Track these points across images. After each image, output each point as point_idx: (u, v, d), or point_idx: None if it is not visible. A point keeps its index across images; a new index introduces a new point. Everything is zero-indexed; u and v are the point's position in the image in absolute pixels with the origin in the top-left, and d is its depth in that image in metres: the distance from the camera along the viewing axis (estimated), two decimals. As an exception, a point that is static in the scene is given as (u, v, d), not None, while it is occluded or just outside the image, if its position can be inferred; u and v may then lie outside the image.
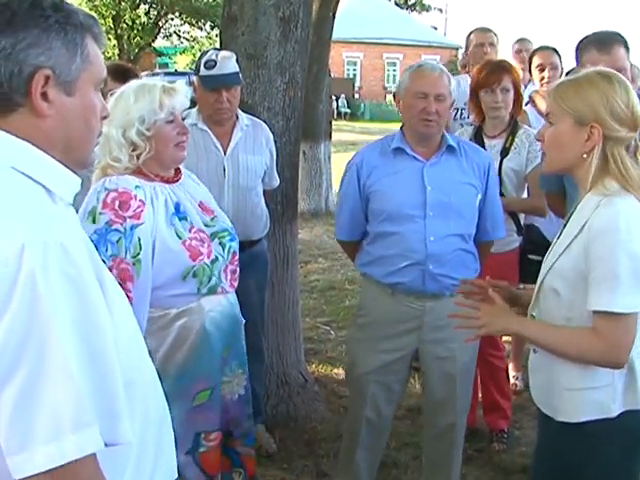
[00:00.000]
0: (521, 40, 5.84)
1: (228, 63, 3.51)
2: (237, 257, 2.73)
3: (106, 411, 1.26)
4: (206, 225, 2.63)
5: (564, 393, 2.13)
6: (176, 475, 1.60)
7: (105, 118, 1.49)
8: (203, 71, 3.49)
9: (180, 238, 2.51)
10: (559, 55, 4.67)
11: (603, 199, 1.99)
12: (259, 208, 3.73)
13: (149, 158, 2.52)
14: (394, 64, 43.64)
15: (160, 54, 35.94)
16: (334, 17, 8.68)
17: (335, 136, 12.02)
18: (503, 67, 3.84)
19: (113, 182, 2.47)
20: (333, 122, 11.67)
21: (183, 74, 16.56)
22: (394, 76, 41.89)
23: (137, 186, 2.48)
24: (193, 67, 3.89)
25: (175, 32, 32.78)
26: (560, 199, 3.17)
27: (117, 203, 2.42)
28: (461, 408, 3.21)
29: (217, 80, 3.48)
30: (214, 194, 3.52)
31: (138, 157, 2.51)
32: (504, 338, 4.19)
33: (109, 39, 31.51)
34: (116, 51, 31.23)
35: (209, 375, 2.61)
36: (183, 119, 2.63)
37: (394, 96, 3.13)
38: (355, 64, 44.36)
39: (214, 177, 3.56)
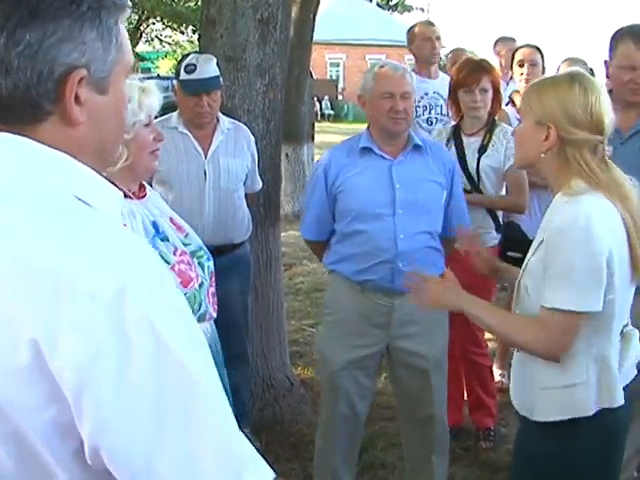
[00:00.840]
0: (502, 39, 5.87)
1: (208, 67, 3.50)
2: (214, 278, 2.48)
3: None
4: (184, 244, 2.36)
5: (539, 392, 2.12)
6: None
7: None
8: (183, 75, 3.49)
9: (168, 263, 2.20)
10: (542, 53, 4.69)
11: (570, 198, 2.00)
12: (241, 211, 3.72)
13: (122, 168, 2.21)
14: (377, 65, 43.70)
15: (142, 59, 35.79)
16: (314, 18, 8.67)
17: (319, 138, 12.02)
18: (482, 67, 3.86)
19: None
20: (317, 124, 11.68)
21: (166, 79, 16.46)
22: (377, 77, 41.93)
23: None
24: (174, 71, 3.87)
25: (157, 36, 32.65)
26: None
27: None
28: (438, 402, 3.22)
29: (197, 84, 3.47)
30: (195, 198, 3.53)
31: (114, 163, 2.18)
32: (487, 336, 4.18)
33: (91, 44, 31.39)
34: (98, 56, 31.13)
35: None
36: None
37: (358, 98, 3.15)
38: (338, 65, 44.40)
39: (195, 181, 3.55)
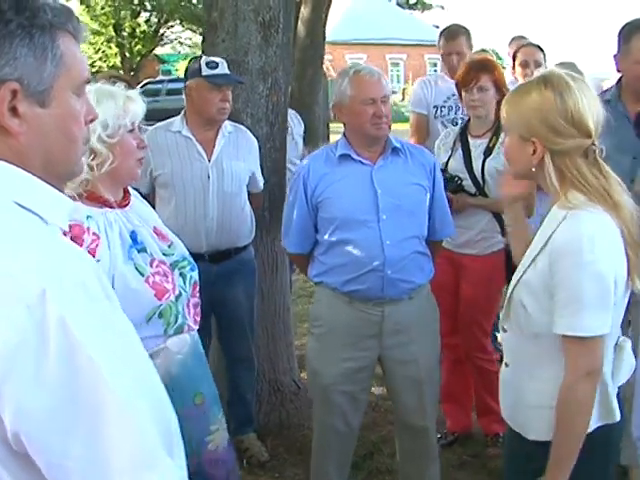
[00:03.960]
0: (517, 38, 5.82)
1: (225, 66, 3.61)
2: (198, 288, 2.43)
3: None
4: (165, 254, 2.31)
5: (535, 411, 2.07)
6: None
7: (92, 121, 1.34)
8: (207, 71, 3.53)
9: (142, 275, 2.18)
10: (543, 52, 4.64)
11: (568, 212, 1.94)
12: (244, 214, 3.72)
13: (105, 173, 2.21)
14: (397, 64, 43.63)
15: (162, 61, 36.04)
16: (326, 19, 8.67)
17: (335, 138, 11.94)
18: (482, 66, 3.80)
19: None
20: (333, 124, 11.63)
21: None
22: (397, 76, 41.89)
23: (89, 216, 2.17)
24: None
25: (176, 39, 32.88)
26: None
27: (68, 238, 2.14)
28: (430, 413, 3.20)
29: (224, 78, 3.56)
30: (199, 201, 3.53)
31: (97, 167, 2.20)
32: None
33: (110, 47, 31.66)
34: (118, 59, 31.35)
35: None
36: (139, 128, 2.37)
37: (333, 106, 3.07)
38: (358, 66, 44.35)
39: (199, 184, 3.56)
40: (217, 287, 3.62)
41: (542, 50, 4.66)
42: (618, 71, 3.34)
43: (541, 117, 1.94)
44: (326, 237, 3.01)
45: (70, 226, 2.02)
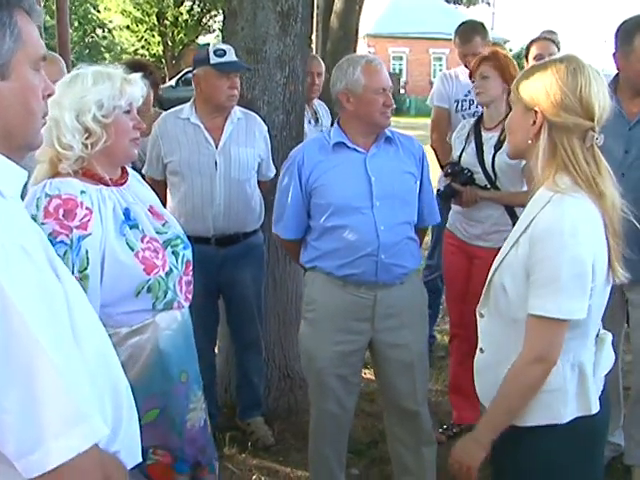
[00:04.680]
0: (547, 33, 5.77)
1: (233, 53, 3.65)
2: (191, 267, 2.47)
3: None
4: (158, 232, 2.37)
5: None
6: (140, 460, 1.59)
7: (50, 96, 1.41)
8: (215, 59, 3.58)
9: (132, 249, 2.23)
10: (558, 46, 4.61)
11: (554, 195, 1.94)
12: (253, 200, 3.77)
13: (100, 152, 2.24)
14: (440, 59, 43.27)
15: (205, 50, 36.23)
16: (360, 11, 8.66)
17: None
18: (484, 56, 3.85)
19: (54, 187, 2.18)
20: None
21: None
22: (440, 71, 41.54)
23: (82, 191, 2.20)
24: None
25: (218, 28, 32.98)
26: None
27: (61, 212, 2.14)
28: (421, 397, 3.24)
29: (232, 65, 3.61)
30: (206, 187, 3.59)
31: (92, 146, 2.23)
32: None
33: (153, 36, 31.93)
34: (160, 48, 31.60)
35: (159, 395, 2.33)
36: (138, 112, 2.40)
37: (341, 93, 3.05)
38: (401, 59, 44.11)
39: (206, 170, 3.62)
40: (224, 271, 3.70)
41: (555, 43, 4.63)
42: (618, 69, 3.34)
43: (549, 87, 1.95)
44: (320, 222, 3.06)
45: (63, 199, 2.13)
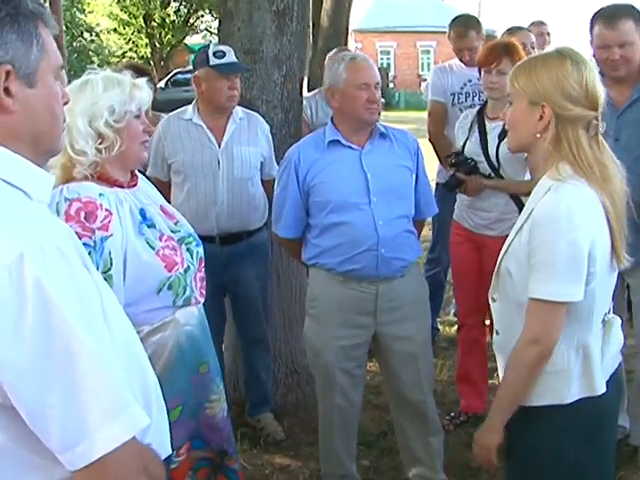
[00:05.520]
0: (536, 23, 5.82)
1: (232, 54, 3.68)
2: (203, 264, 2.53)
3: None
4: (172, 231, 2.43)
5: None
6: (170, 451, 1.63)
7: (66, 104, 1.47)
8: (214, 61, 3.62)
9: (153, 248, 2.29)
10: (548, 36, 4.68)
11: (554, 184, 1.99)
12: (256, 199, 3.81)
13: (114, 156, 2.30)
14: (428, 52, 43.35)
15: (193, 51, 36.10)
16: (350, 8, 8.69)
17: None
18: (503, 48, 3.82)
19: (72, 190, 2.22)
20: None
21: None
22: (428, 64, 41.57)
23: (101, 194, 2.25)
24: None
25: (206, 29, 32.99)
26: None
27: (82, 214, 2.18)
28: (426, 387, 3.29)
29: (231, 66, 3.64)
30: (209, 187, 3.63)
31: (106, 150, 2.28)
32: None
33: (141, 38, 31.89)
34: (148, 50, 31.54)
35: (181, 392, 2.39)
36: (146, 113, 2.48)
37: (326, 90, 3.16)
38: (388, 53, 44.18)
39: (209, 170, 3.66)
40: (229, 269, 3.75)
41: (546, 34, 4.70)
42: (593, 56, 3.40)
43: (557, 82, 1.98)
44: (319, 220, 3.11)
45: (84, 201, 2.19)
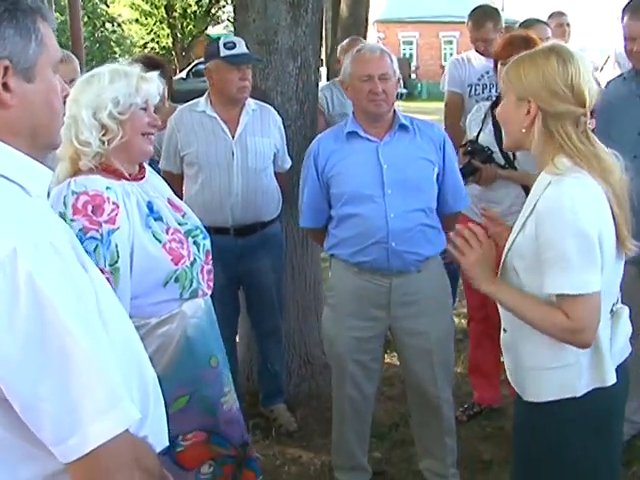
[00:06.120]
0: (556, 14, 5.76)
1: (243, 45, 3.68)
2: (210, 256, 2.54)
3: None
4: (179, 224, 2.44)
5: (530, 373, 2.14)
6: (167, 444, 1.64)
7: (66, 97, 1.49)
8: (225, 52, 3.62)
9: (160, 241, 2.31)
10: (568, 27, 4.64)
11: (554, 178, 1.99)
12: (270, 190, 3.81)
13: (117, 148, 2.30)
14: (450, 42, 43.10)
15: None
16: (369, -2, 8.67)
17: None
18: (523, 42, 3.77)
19: (80, 184, 2.24)
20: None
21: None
22: (451, 54, 41.28)
23: (108, 187, 2.26)
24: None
25: (228, 19, 32.98)
26: None
27: (89, 208, 2.20)
28: (442, 384, 3.25)
29: (241, 57, 3.63)
30: (224, 178, 3.64)
31: (109, 142, 2.29)
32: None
33: (162, 29, 31.99)
34: (170, 40, 31.63)
35: (189, 382, 2.41)
36: (155, 110, 2.45)
37: (341, 83, 3.21)
38: (411, 44, 43.95)
39: (223, 161, 3.66)
40: (243, 260, 3.76)
41: (565, 24, 4.66)
42: (625, 49, 3.38)
43: (542, 78, 2.00)
44: (336, 211, 3.13)
45: (91, 195, 2.20)
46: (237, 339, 4.25)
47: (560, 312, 1.99)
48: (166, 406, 1.68)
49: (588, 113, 2.03)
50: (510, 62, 2.13)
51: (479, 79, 4.82)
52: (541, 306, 2.05)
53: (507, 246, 2.15)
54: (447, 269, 4.90)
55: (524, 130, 2.06)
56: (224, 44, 3.64)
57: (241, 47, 3.65)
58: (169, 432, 1.85)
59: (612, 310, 2.12)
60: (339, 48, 5.65)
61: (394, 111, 3.13)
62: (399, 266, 3.07)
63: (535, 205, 2.02)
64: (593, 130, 2.10)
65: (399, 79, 3.12)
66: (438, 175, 3.14)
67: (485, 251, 2.18)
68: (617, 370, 2.12)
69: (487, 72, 4.77)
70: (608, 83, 3.73)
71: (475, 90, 4.82)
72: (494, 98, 4.41)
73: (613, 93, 3.51)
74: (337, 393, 3.36)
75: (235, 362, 4.03)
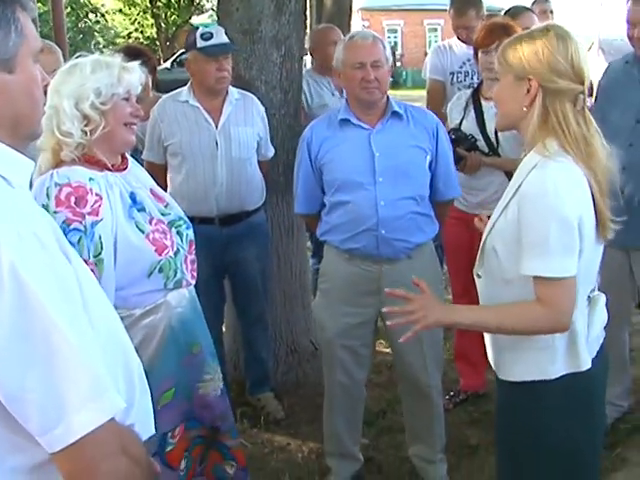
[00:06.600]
0: (540, 1, 5.76)
1: (222, 35, 3.65)
2: (194, 246, 2.55)
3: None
4: (162, 214, 2.44)
5: (504, 352, 2.16)
6: (153, 431, 1.64)
7: (47, 87, 1.48)
8: (202, 43, 3.60)
9: (142, 232, 2.31)
10: (551, 13, 4.65)
11: (540, 160, 1.99)
12: (254, 179, 3.82)
13: (99, 139, 2.30)
14: (435, 30, 43.06)
15: (198, 30, 36.07)
16: (353, -14, 8.63)
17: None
18: (503, 29, 3.79)
19: (62, 175, 2.23)
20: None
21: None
22: (435, 42, 41.19)
23: (91, 178, 2.25)
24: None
25: (212, 8, 32.82)
26: None
27: (72, 199, 2.19)
28: (432, 371, 3.28)
29: (218, 48, 3.61)
30: (208, 168, 3.64)
31: (91, 133, 2.29)
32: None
33: (146, 19, 31.80)
34: (154, 30, 31.44)
35: (174, 373, 2.43)
36: (138, 98, 2.45)
37: (334, 71, 3.18)
38: (395, 32, 43.89)
39: (207, 151, 3.66)
40: (229, 250, 3.77)
41: (548, 11, 4.66)
42: (627, 34, 3.39)
43: (542, 55, 2.00)
44: (329, 198, 3.14)
45: (74, 186, 2.19)
46: (224, 328, 4.26)
47: (533, 305, 2.01)
48: (153, 402, 1.68)
49: (586, 91, 2.03)
50: (505, 43, 2.13)
51: (461, 67, 4.82)
52: (513, 308, 2.07)
53: (488, 226, 2.15)
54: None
55: (525, 109, 2.05)
56: (201, 35, 3.61)
57: (219, 37, 3.62)
58: (158, 430, 1.86)
59: (589, 297, 2.13)
60: (310, 37, 5.60)
61: (387, 98, 3.12)
62: (389, 253, 3.08)
63: (518, 188, 2.03)
64: (590, 109, 2.10)
65: (392, 66, 3.11)
66: (431, 163, 3.14)
67: (423, 299, 2.23)
68: (596, 356, 2.14)
69: (469, 60, 4.76)
70: (610, 64, 3.73)
71: (457, 78, 4.83)
72: (475, 86, 4.43)
73: (614, 76, 3.55)
74: (328, 379, 3.37)
75: (222, 351, 4.04)
